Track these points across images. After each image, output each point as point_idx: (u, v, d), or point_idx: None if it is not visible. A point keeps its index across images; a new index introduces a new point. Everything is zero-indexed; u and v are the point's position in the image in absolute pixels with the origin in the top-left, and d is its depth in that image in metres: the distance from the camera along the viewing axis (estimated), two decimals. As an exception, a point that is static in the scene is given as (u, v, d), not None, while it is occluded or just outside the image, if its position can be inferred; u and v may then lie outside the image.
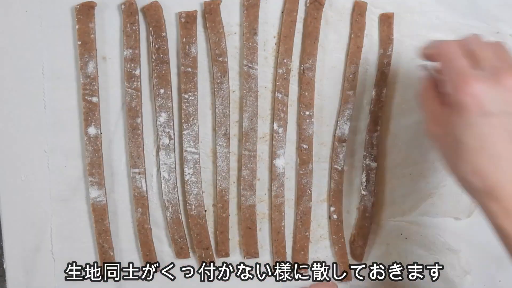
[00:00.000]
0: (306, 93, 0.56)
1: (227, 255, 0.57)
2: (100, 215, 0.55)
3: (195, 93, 0.54)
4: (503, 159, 0.37)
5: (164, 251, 0.57)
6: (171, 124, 0.54)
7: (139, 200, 0.55)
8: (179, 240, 0.56)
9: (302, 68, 0.56)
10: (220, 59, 0.54)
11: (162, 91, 0.54)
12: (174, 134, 0.55)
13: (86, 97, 0.53)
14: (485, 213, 0.39)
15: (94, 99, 0.53)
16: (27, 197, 0.55)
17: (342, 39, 0.56)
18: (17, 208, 0.55)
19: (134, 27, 0.53)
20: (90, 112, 0.53)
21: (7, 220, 0.55)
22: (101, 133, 0.54)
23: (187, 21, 0.53)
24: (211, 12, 0.53)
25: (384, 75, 0.56)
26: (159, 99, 0.54)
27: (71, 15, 0.53)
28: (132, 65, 0.53)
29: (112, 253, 0.55)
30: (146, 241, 0.56)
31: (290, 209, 0.58)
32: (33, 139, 0.54)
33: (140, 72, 0.54)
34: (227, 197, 0.56)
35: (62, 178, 0.55)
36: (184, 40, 0.54)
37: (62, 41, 0.53)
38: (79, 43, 0.52)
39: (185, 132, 0.55)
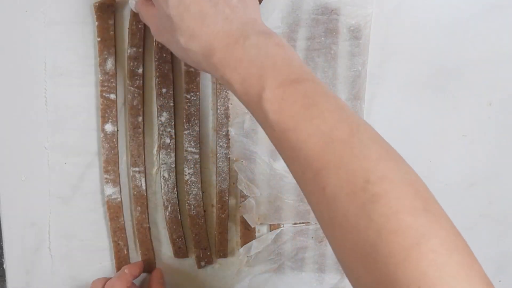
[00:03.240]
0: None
1: (225, 255, 0.57)
2: (115, 213, 0.55)
3: (197, 93, 0.54)
4: (205, 15, 0.39)
5: (162, 251, 0.57)
6: (172, 123, 0.54)
7: (139, 199, 0.55)
8: (177, 240, 0.56)
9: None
10: (223, 59, 0.54)
11: (164, 90, 0.54)
12: (175, 134, 0.55)
13: (104, 94, 0.53)
14: (211, 73, 0.41)
15: (112, 96, 0.53)
16: (27, 196, 0.55)
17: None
18: (17, 208, 0.55)
19: (139, 26, 0.52)
20: (107, 109, 0.53)
21: (7, 220, 0.55)
22: (117, 130, 0.54)
23: (191, 21, 0.53)
24: (215, 13, 0.53)
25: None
26: (161, 98, 0.54)
27: (75, 12, 0.53)
28: (135, 63, 0.53)
29: (126, 251, 0.56)
30: (144, 240, 0.56)
31: (289, 211, 0.58)
32: (33, 136, 0.54)
33: (143, 71, 0.54)
34: (227, 198, 0.56)
35: (62, 176, 0.55)
36: (187, 40, 0.54)
37: (65, 38, 0.53)
38: (99, 39, 0.52)
39: (186, 132, 0.55)
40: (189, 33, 0.40)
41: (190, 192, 0.55)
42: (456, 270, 0.31)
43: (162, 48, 0.53)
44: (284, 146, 0.37)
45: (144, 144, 0.55)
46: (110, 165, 0.54)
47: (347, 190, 0.33)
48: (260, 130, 0.54)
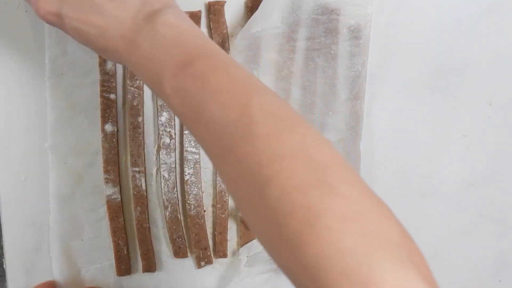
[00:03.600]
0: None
1: (225, 256, 0.57)
2: (115, 213, 0.55)
3: (197, 93, 0.54)
4: (100, 28, 0.38)
5: (162, 251, 0.57)
6: (172, 123, 0.54)
7: (139, 199, 0.55)
8: (177, 239, 0.56)
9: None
10: (223, 59, 0.54)
11: (164, 90, 0.54)
12: (175, 134, 0.55)
13: (104, 94, 0.53)
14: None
15: (112, 96, 0.53)
16: (27, 196, 0.55)
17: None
18: (17, 208, 0.55)
19: (138, 26, 0.53)
20: (107, 109, 0.53)
21: (7, 220, 0.55)
22: (117, 130, 0.54)
23: (191, 21, 0.53)
24: (215, 13, 0.54)
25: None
26: (161, 99, 0.54)
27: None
28: (135, 63, 0.53)
29: (126, 251, 0.56)
30: (144, 239, 0.56)
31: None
32: (33, 136, 0.54)
33: (143, 71, 0.54)
34: (227, 198, 0.56)
35: (62, 176, 0.55)
36: (187, 40, 0.54)
37: (65, 38, 0.53)
38: None
39: (186, 132, 0.55)
40: (101, 49, 0.39)
41: (190, 192, 0.55)
42: (351, 243, 0.28)
43: (162, 48, 0.53)
44: (195, 137, 0.36)
45: (144, 144, 0.55)
46: (110, 165, 0.54)
47: (244, 176, 0.32)
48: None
